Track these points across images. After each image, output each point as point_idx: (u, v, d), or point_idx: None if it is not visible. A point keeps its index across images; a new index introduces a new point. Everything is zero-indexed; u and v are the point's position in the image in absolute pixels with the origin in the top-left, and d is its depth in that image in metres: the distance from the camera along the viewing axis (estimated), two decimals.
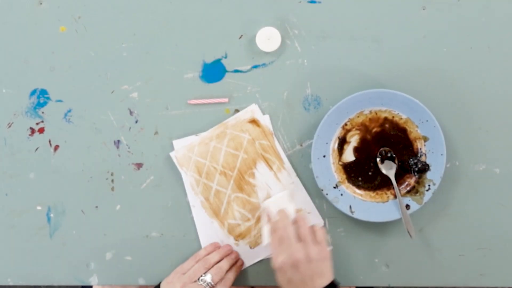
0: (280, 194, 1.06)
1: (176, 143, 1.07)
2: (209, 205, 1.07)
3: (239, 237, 1.08)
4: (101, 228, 1.09)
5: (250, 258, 1.08)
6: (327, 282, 0.95)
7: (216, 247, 1.06)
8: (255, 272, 1.09)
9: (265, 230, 1.04)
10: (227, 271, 1.04)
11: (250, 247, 1.08)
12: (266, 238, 1.04)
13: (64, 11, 1.08)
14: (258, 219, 1.08)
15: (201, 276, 1.01)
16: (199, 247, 1.08)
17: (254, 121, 1.07)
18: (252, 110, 1.07)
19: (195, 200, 1.07)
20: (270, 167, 1.07)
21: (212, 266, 1.03)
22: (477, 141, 1.07)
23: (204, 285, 1.00)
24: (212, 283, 1.00)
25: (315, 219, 1.07)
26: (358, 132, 1.06)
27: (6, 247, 1.09)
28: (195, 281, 1.00)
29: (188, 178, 1.07)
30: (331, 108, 1.04)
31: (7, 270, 1.09)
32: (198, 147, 1.07)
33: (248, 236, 1.08)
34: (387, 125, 1.05)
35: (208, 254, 1.05)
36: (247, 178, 1.07)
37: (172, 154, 1.07)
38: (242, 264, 1.07)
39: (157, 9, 1.08)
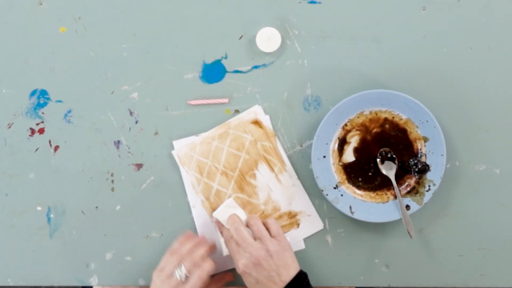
0: (225, 202, 1.05)
1: (177, 143, 1.07)
2: (209, 204, 1.07)
3: None
4: (101, 228, 1.09)
5: None
6: (294, 272, 0.95)
7: (189, 236, 1.04)
8: None
9: (222, 242, 1.03)
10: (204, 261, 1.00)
11: None
12: (224, 249, 1.02)
13: (64, 11, 1.08)
14: None
15: (176, 268, 0.98)
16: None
17: (257, 122, 1.07)
18: (255, 111, 1.07)
19: (195, 200, 1.07)
20: (272, 169, 1.07)
21: (185, 256, 1.00)
22: (477, 141, 1.07)
23: (179, 278, 0.97)
24: (187, 274, 0.98)
25: (315, 221, 1.07)
26: (358, 132, 1.06)
27: (6, 247, 1.09)
28: (172, 276, 0.98)
29: (189, 177, 1.07)
30: (331, 109, 1.04)
31: (7, 270, 1.09)
32: (200, 146, 1.07)
33: None
34: (387, 126, 1.05)
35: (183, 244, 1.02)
36: (248, 179, 1.07)
37: (174, 152, 1.07)
38: (215, 248, 1.05)
39: (157, 9, 1.08)
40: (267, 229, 0.99)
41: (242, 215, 1.03)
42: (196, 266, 0.99)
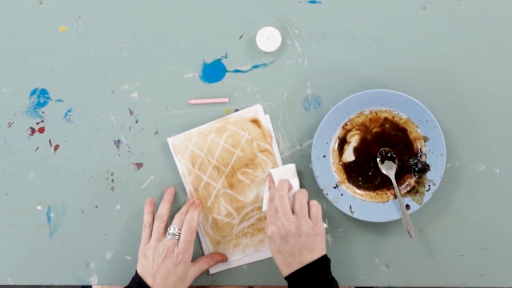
0: (287, 165, 1.06)
1: (172, 139, 1.07)
2: (197, 195, 1.07)
3: (220, 232, 1.08)
4: (101, 228, 1.09)
5: (232, 256, 1.08)
6: (316, 257, 0.95)
7: (151, 204, 1.06)
8: (255, 272, 1.09)
9: (265, 197, 1.05)
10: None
11: (234, 246, 1.08)
12: (265, 204, 1.05)
13: (64, 11, 1.08)
14: (242, 218, 1.08)
15: (168, 230, 1.02)
16: (198, 248, 1.08)
17: (255, 121, 1.07)
18: (256, 110, 1.07)
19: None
20: (264, 170, 1.07)
21: (167, 217, 1.04)
22: (477, 141, 1.07)
23: (173, 237, 1.01)
24: (179, 231, 1.01)
25: None
26: (358, 132, 1.06)
27: (6, 247, 1.09)
28: (163, 238, 1.02)
29: (181, 166, 1.07)
30: (331, 108, 1.04)
31: (7, 270, 1.09)
32: (196, 137, 1.07)
33: (230, 234, 1.08)
34: (387, 125, 1.05)
35: (151, 214, 1.05)
36: (239, 176, 1.07)
37: (169, 140, 1.07)
38: (200, 202, 1.07)
39: (157, 9, 1.08)
40: (309, 209, 0.99)
41: (296, 185, 1.04)
42: (182, 221, 1.02)
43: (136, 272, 1.00)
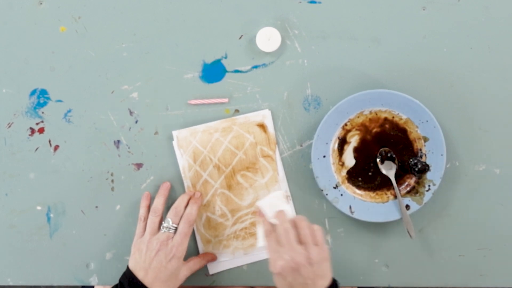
0: (274, 193, 1.04)
1: (177, 133, 1.07)
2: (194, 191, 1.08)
3: (211, 231, 1.07)
4: (101, 228, 1.09)
5: (221, 257, 1.08)
6: (327, 283, 0.93)
7: (148, 197, 1.06)
8: (255, 272, 1.09)
9: (260, 231, 1.01)
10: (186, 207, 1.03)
11: (224, 247, 1.08)
12: (260, 240, 1.01)
13: (64, 11, 1.08)
14: (236, 221, 1.07)
15: (162, 224, 1.01)
16: (193, 246, 1.08)
17: (262, 126, 1.07)
18: (264, 115, 1.07)
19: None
20: (264, 175, 1.07)
21: (161, 212, 1.03)
22: (477, 141, 1.07)
23: (167, 231, 1.00)
24: (175, 225, 1.01)
25: None
26: (358, 132, 1.06)
27: (6, 247, 1.09)
28: (157, 232, 1.01)
29: (182, 161, 1.07)
30: (331, 109, 1.04)
31: (7, 270, 1.09)
32: (201, 134, 1.07)
33: (221, 235, 1.08)
34: (387, 126, 1.05)
35: (147, 207, 1.04)
36: (239, 178, 1.07)
37: (174, 133, 1.07)
38: (200, 196, 1.06)
39: (157, 9, 1.08)
40: (313, 234, 0.95)
41: (288, 211, 0.99)
42: (179, 215, 1.02)
43: (128, 267, 1.00)
